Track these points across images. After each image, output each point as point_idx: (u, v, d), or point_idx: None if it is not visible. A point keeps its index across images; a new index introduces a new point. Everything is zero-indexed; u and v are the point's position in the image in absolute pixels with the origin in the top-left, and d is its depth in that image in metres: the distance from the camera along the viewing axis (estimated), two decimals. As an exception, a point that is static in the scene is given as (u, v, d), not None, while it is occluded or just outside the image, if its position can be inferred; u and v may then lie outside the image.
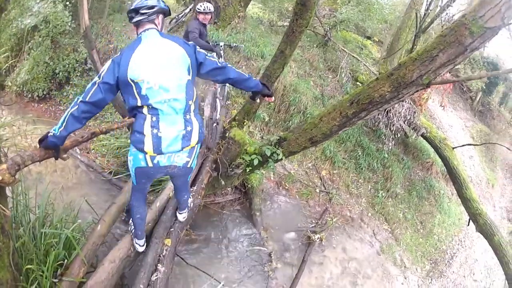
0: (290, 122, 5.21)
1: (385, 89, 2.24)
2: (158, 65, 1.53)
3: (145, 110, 1.55)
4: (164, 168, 1.70)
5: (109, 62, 1.53)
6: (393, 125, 5.71)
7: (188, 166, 1.78)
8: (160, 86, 1.52)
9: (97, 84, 1.48)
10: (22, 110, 5.05)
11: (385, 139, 5.95)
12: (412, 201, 6.02)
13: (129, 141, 1.76)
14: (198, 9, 3.55)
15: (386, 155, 5.90)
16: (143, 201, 2.05)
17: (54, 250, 1.91)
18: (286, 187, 4.96)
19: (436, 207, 6.30)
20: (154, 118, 1.55)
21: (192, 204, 2.72)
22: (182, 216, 2.58)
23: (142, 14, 1.59)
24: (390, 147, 5.80)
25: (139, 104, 1.54)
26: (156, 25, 1.64)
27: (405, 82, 2.15)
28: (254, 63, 5.32)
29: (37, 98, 4.80)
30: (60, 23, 4.59)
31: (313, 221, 4.67)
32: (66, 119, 1.44)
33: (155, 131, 1.55)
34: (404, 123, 5.79)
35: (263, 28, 6.28)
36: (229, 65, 1.73)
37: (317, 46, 6.27)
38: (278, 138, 3.04)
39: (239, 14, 5.59)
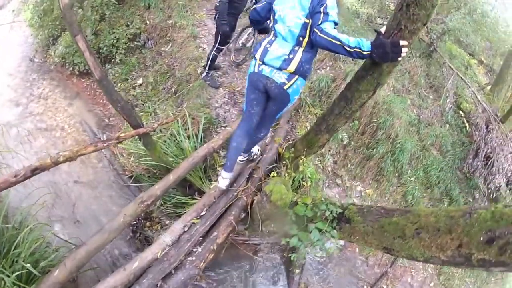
0: (374, 150, 4.05)
1: None
2: (291, 3, 1.85)
3: (272, 31, 1.95)
4: (265, 78, 1.93)
5: None
6: (492, 181, 4.22)
7: (285, 88, 1.92)
8: (285, 16, 1.86)
9: (265, 1, 1.98)
10: (63, 83, 4.58)
11: (476, 193, 4.49)
12: (480, 276, 4.70)
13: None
14: None
15: (477, 215, 4.52)
16: (244, 131, 2.14)
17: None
18: (349, 235, 3.95)
19: (500, 287, 4.98)
20: (273, 38, 1.93)
21: (258, 152, 2.69)
22: (240, 158, 2.48)
23: None
24: (482, 207, 4.39)
25: (271, 24, 1.96)
26: None
27: None
28: (342, 65, 4.15)
29: (77, 72, 4.24)
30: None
31: (365, 287, 3.68)
32: None
33: (268, 45, 1.91)
34: (504, 182, 4.28)
35: (359, 23, 4.98)
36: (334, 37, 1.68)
37: (420, 56, 4.84)
38: (340, 212, 2.04)
39: (329, 1, 4.34)
